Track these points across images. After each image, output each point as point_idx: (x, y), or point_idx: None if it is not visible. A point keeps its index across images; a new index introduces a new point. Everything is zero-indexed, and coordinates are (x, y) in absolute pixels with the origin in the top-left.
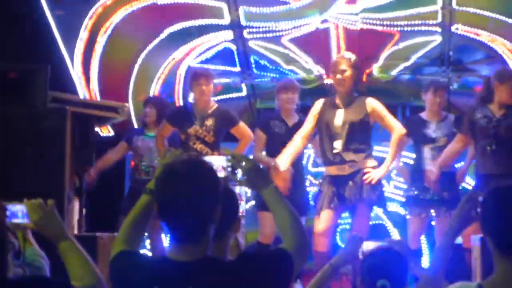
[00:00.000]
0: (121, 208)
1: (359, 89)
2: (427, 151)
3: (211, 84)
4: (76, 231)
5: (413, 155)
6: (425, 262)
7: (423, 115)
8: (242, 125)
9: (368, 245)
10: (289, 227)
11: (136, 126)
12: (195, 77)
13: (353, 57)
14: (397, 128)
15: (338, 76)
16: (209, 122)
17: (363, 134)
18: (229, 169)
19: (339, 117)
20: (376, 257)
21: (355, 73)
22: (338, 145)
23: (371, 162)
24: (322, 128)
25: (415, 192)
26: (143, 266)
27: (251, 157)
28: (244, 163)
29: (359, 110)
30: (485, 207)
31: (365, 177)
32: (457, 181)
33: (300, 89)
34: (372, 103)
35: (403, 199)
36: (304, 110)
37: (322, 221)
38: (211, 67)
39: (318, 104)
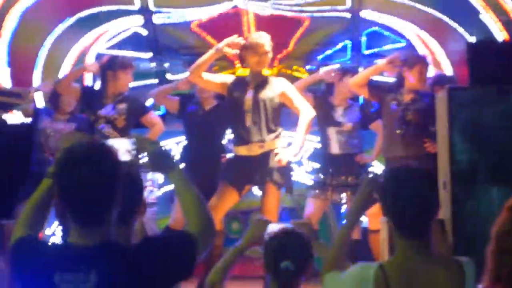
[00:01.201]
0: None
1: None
2: (332, 133)
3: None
4: None
5: (318, 138)
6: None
7: (331, 99)
8: (152, 114)
9: (273, 227)
10: (193, 210)
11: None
12: (123, 66)
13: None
14: (307, 110)
15: (262, 57)
16: (122, 105)
17: (273, 114)
18: (134, 152)
19: (249, 96)
20: (278, 239)
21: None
22: (247, 123)
23: (281, 142)
24: (232, 105)
25: (321, 176)
26: (44, 252)
27: (155, 140)
28: (148, 147)
29: (270, 90)
30: (384, 188)
31: (276, 158)
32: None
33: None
34: (282, 84)
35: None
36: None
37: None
38: (121, 52)
39: (229, 77)
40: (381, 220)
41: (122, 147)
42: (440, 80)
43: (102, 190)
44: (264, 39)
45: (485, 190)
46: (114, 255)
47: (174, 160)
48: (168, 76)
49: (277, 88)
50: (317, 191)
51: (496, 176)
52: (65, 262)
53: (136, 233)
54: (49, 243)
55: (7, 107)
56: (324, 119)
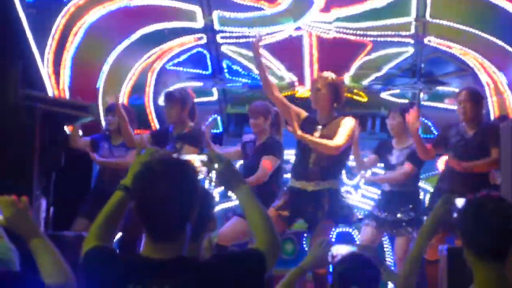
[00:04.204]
0: (81, 208)
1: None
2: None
3: None
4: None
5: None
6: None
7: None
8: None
9: (338, 250)
10: (261, 227)
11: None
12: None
13: (331, 76)
14: (335, 140)
15: (313, 93)
16: (178, 144)
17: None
18: (204, 169)
19: (316, 134)
20: (348, 263)
21: (331, 92)
22: (310, 163)
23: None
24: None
25: (377, 212)
26: (117, 263)
27: (224, 157)
28: (217, 164)
29: (334, 130)
30: (465, 215)
31: None
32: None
33: (267, 111)
34: (343, 121)
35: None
36: None
37: None
38: (183, 70)
39: (303, 113)
40: (439, 248)
41: (195, 163)
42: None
43: (181, 206)
44: (318, 76)
45: None
46: (187, 270)
47: (241, 177)
48: (228, 95)
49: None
50: (373, 222)
51: None
52: (138, 274)
53: (204, 249)
54: (122, 254)
55: (71, 120)
56: (384, 161)
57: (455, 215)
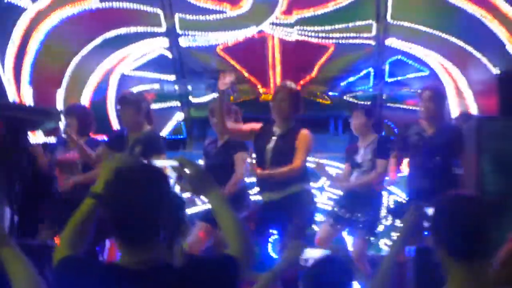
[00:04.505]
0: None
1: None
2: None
3: None
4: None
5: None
6: None
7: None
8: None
9: (311, 253)
10: (234, 233)
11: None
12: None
13: (292, 87)
14: (295, 162)
15: (275, 104)
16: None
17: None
18: (175, 174)
19: (271, 144)
20: (321, 267)
21: (292, 103)
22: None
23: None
24: (256, 151)
25: (335, 209)
26: (93, 272)
27: (195, 162)
28: (189, 169)
29: (290, 144)
30: (438, 217)
31: None
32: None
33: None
34: (301, 136)
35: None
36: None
37: None
38: (145, 74)
39: (257, 126)
40: (407, 249)
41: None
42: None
43: (154, 211)
44: (281, 86)
45: None
46: (165, 277)
47: (213, 182)
48: (191, 98)
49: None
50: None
51: None
52: (113, 283)
53: (177, 256)
54: (97, 263)
55: (34, 126)
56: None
57: (425, 224)
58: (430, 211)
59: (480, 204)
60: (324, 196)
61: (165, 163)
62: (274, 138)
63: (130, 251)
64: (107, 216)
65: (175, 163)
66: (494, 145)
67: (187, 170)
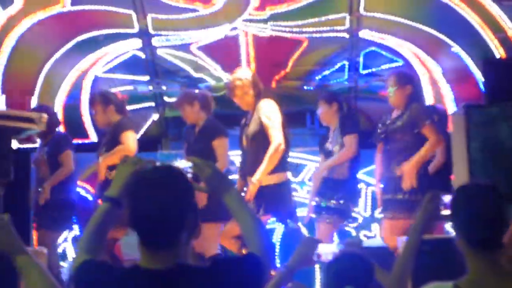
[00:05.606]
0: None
1: (264, 95)
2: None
3: None
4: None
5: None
6: None
7: None
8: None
9: (324, 248)
10: (254, 232)
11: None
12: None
13: (249, 75)
14: (273, 141)
15: (242, 99)
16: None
17: (262, 146)
18: (190, 175)
19: (244, 137)
20: (342, 262)
21: (255, 91)
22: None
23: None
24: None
25: (316, 199)
26: (113, 276)
27: (211, 163)
28: (205, 169)
29: (255, 122)
30: (456, 206)
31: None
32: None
33: (190, 98)
34: (259, 111)
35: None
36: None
37: None
38: (118, 76)
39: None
40: (398, 240)
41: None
42: None
43: (176, 213)
44: (236, 79)
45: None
46: (189, 278)
47: (230, 183)
48: (166, 99)
49: (259, 116)
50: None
51: None
52: (136, 286)
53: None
54: (117, 267)
55: (17, 132)
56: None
57: (442, 211)
58: (447, 198)
59: (498, 193)
60: (305, 190)
61: (180, 164)
62: (246, 128)
63: (152, 252)
64: (130, 220)
65: (191, 164)
66: (483, 132)
67: (204, 171)
